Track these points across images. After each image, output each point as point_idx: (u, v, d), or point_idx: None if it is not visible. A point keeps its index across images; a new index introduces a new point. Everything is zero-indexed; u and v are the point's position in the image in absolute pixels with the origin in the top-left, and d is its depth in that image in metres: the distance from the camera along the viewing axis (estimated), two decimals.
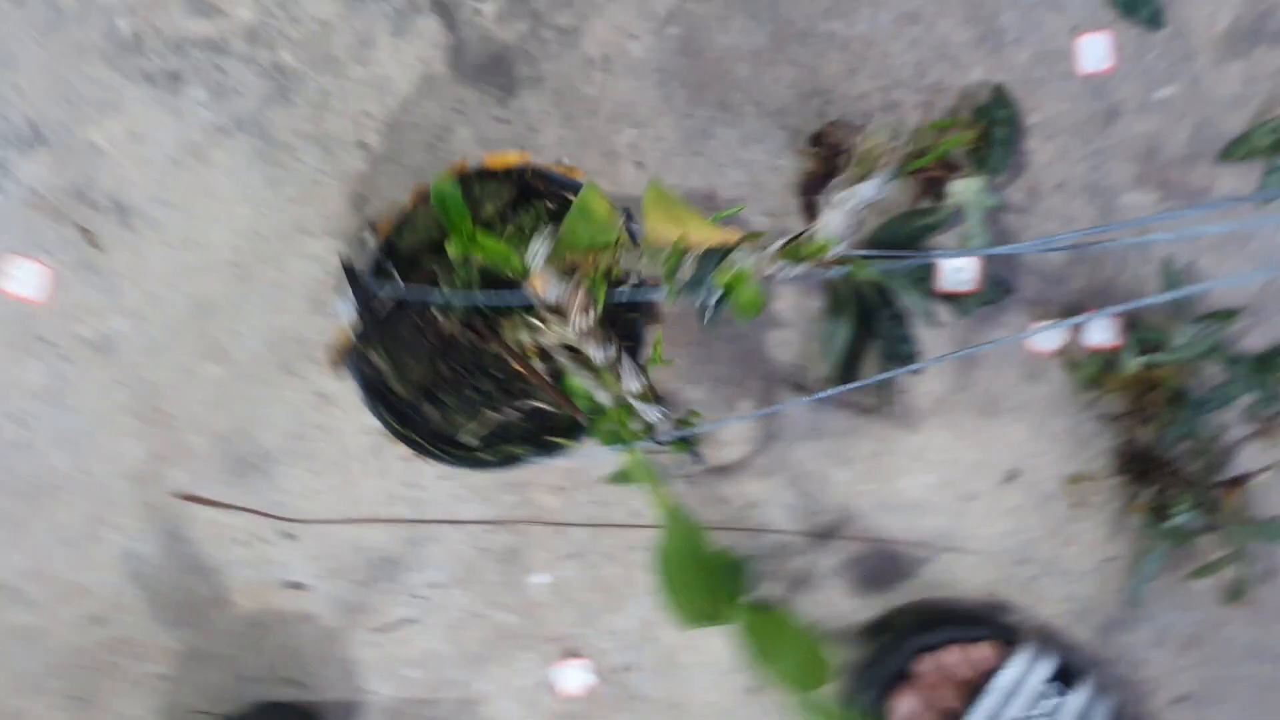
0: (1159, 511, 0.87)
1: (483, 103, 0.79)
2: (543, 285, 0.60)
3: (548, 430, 0.69)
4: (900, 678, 0.86)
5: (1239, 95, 0.85)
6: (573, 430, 0.68)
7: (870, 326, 0.85)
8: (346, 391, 0.80)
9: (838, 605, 0.88)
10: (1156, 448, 0.88)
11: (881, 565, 0.88)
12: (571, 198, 0.66)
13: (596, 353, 0.64)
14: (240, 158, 0.77)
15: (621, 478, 0.70)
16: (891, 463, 0.87)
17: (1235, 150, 0.86)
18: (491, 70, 0.79)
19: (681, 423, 0.64)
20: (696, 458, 0.62)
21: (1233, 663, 0.93)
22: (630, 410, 0.64)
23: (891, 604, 0.89)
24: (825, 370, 0.85)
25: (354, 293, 0.64)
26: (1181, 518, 0.86)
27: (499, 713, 0.87)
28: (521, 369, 0.66)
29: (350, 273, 0.64)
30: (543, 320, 0.66)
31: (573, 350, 0.65)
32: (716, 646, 0.87)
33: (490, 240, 0.62)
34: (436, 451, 0.67)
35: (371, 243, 0.65)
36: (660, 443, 0.64)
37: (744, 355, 0.84)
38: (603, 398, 0.65)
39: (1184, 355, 0.84)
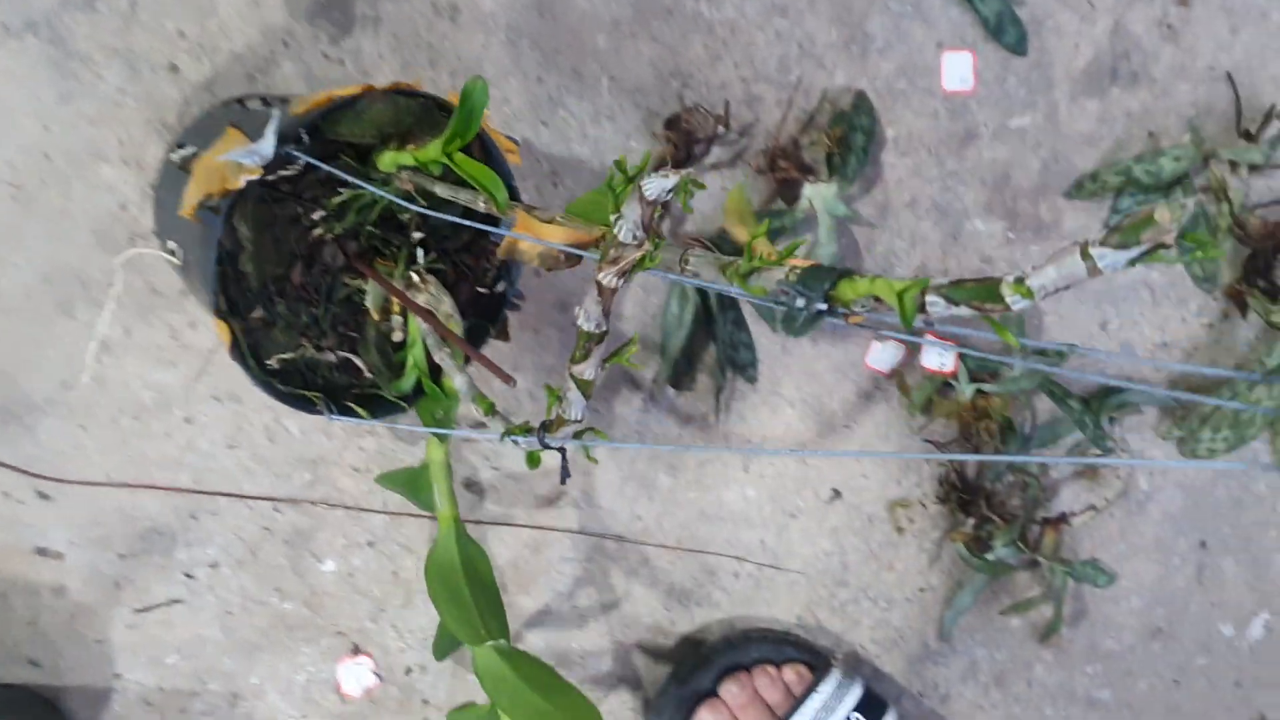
0: (979, 543, 0.85)
1: (314, 38, 0.72)
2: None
3: (349, 392, 0.62)
4: (706, 697, 0.82)
5: (1092, 133, 0.85)
6: (372, 402, 0.62)
7: (710, 329, 0.81)
8: (130, 342, 0.72)
9: (648, 616, 0.84)
10: (981, 478, 0.86)
11: (696, 577, 0.84)
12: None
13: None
14: (29, 65, 0.68)
15: (397, 480, 0.64)
16: (717, 472, 0.83)
17: (1084, 188, 0.85)
18: (327, 4, 0.72)
19: (530, 430, 0.56)
20: (566, 475, 0.55)
21: (1038, 704, 0.92)
22: (489, 406, 0.57)
23: (703, 619, 0.85)
24: (661, 371, 0.80)
25: (273, 140, 0.54)
26: (1001, 551, 0.85)
27: (269, 709, 0.79)
28: (402, 300, 0.58)
29: (270, 116, 0.54)
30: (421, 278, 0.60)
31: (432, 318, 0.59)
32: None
33: (472, 163, 0.55)
34: (242, 354, 0.58)
35: (277, 113, 0.56)
36: (518, 444, 0.57)
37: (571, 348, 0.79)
38: (459, 380, 0.59)
39: (1015, 387, 0.83)
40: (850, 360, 0.83)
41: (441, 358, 0.59)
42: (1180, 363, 0.90)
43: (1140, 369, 0.91)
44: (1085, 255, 0.37)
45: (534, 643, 0.81)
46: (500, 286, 0.64)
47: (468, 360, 0.61)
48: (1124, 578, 0.91)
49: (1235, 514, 0.94)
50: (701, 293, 0.79)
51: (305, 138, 0.56)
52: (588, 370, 0.51)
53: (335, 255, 0.59)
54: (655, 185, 0.47)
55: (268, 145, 0.54)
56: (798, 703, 0.80)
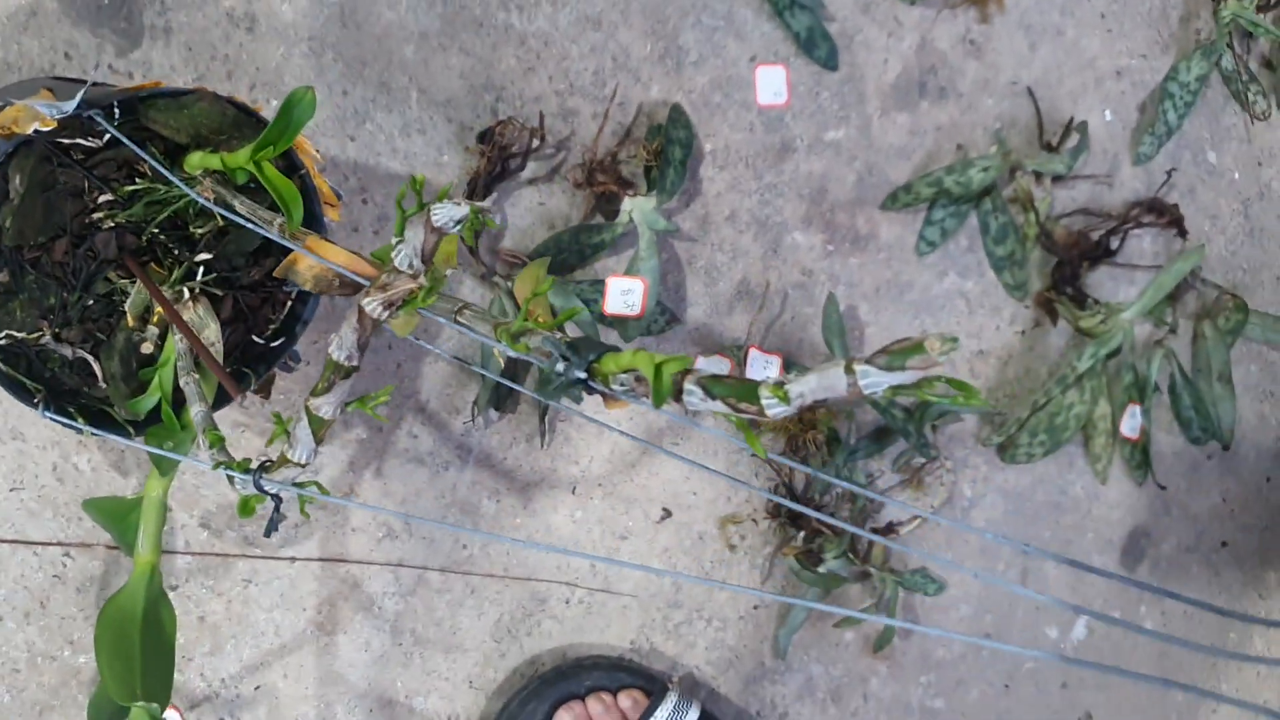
0: (810, 557, 0.85)
1: (99, 49, 0.67)
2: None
3: (74, 397, 0.57)
4: None
5: (904, 145, 0.86)
6: (96, 418, 0.57)
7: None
8: None
9: (476, 649, 0.80)
10: (810, 491, 0.86)
11: (526, 606, 0.81)
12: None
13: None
14: None
15: (104, 509, 0.58)
16: (544, 495, 0.80)
17: (898, 200, 0.86)
18: (113, 12, 0.67)
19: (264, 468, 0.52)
20: (273, 528, 0.50)
21: (874, 717, 0.92)
22: (218, 439, 0.52)
23: (534, 649, 0.82)
24: (481, 394, 0.78)
25: (77, 101, 0.49)
26: (832, 564, 0.85)
27: None
28: (166, 310, 0.53)
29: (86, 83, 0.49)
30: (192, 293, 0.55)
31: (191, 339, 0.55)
32: (334, 694, 0.77)
33: (278, 175, 0.51)
34: None
35: (91, 82, 0.51)
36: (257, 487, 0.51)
37: (390, 369, 0.76)
38: (198, 412, 0.53)
39: None
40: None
41: (188, 383, 0.54)
42: (996, 370, 0.92)
43: (959, 377, 0.92)
44: (849, 370, 0.36)
45: (354, 683, 0.77)
46: (278, 342, 0.60)
47: (220, 400, 0.57)
48: (952, 585, 0.92)
49: (1055, 517, 0.96)
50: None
51: (117, 113, 0.52)
52: (326, 407, 0.48)
53: (109, 244, 0.55)
54: (444, 213, 0.45)
55: (70, 104, 0.50)
56: None
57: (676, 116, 0.79)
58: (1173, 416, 0.98)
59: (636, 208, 0.78)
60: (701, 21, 0.80)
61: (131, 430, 0.56)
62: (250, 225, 0.52)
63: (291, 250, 0.51)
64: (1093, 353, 0.90)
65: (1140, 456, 0.97)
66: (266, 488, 0.48)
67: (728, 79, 0.81)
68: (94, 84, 0.62)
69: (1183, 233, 0.94)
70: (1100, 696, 1.00)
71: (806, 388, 0.38)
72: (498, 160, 0.75)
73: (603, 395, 0.46)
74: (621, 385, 0.43)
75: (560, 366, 0.43)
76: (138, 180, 0.55)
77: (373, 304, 0.45)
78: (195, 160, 0.54)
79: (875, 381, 0.36)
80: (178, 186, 0.53)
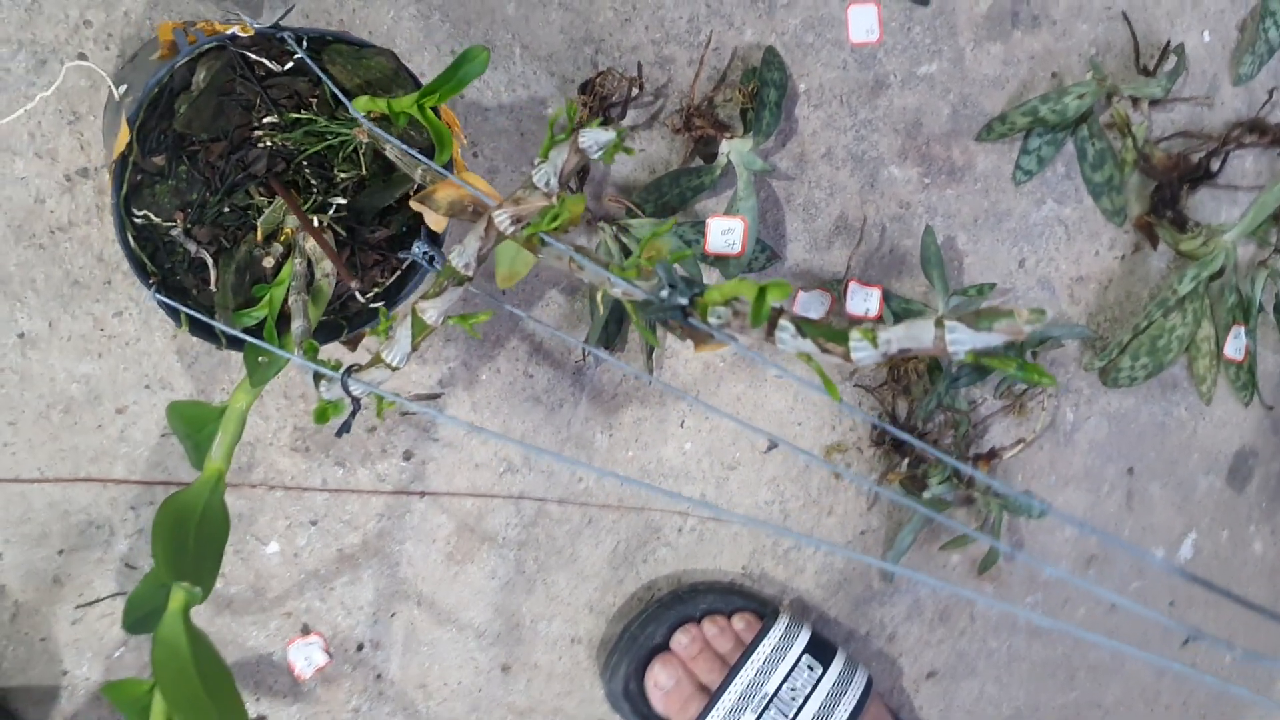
0: (915, 483, 0.87)
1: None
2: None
3: (182, 296, 0.61)
4: (658, 651, 0.83)
5: (998, 76, 0.87)
6: (194, 324, 0.61)
7: None
8: (54, 334, 0.71)
9: (595, 577, 0.85)
10: (913, 419, 0.88)
11: (641, 535, 0.85)
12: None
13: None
14: None
15: (184, 413, 0.60)
16: (654, 429, 0.84)
17: (993, 130, 0.87)
18: None
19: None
20: (346, 427, 0.54)
21: (982, 637, 0.94)
22: (313, 348, 0.56)
23: (650, 576, 0.86)
24: (591, 332, 0.81)
25: (278, 18, 0.55)
26: (937, 489, 0.87)
27: None
28: (304, 224, 0.58)
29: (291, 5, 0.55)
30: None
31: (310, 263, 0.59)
32: (465, 619, 0.82)
33: (437, 120, 0.55)
34: (123, 171, 0.57)
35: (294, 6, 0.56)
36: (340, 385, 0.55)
37: (505, 312, 0.80)
38: (298, 326, 0.58)
39: None
40: None
41: (297, 301, 0.59)
42: (1095, 296, 0.93)
43: (1060, 305, 0.93)
44: (939, 325, 0.38)
45: (483, 610, 0.82)
46: (378, 304, 0.65)
47: (319, 333, 0.61)
48: (1057, 506, 0.94)
49: (1159, 439, 0.97)
50: (629, 250, 0.80)
51: (305, 44, 0.57)
52: (432, 311, 0.51)
53: (260, 161, 0.60)
54: (591, 137, 0.48)
55: (268, 23, 0.55)
56: (748, 650, 0.81)
57: (770, 59, 0.81)
58: (1278, 335, 0.98)
59: (734, 150, 0.80)
60: None
61: (222, 340, 0.61)
62: (405, 158, 0.56)
63: (419, 206, 0.56)
64: (1194, 274, 0.90)
65: (1246, 377, 0.97)
66: (353, 389, 0.51)
67: (819, 19, 0.83)
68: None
69: None
70: (1209, 614, 1.01)
71: (894, 336, 0.41)
72: (599, 110, 0.78)
73: (692, 335, 0.49)
74: (718, 318, 0.46)
75: (665, 293, 0.45)
76: (302, 111, 0.60)
77: (503, 216, 0.48)
78: (363, 102, 0.58)
79: (961, 339, 0.39)
80: (342, 122, 0.58)
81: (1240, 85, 0.92)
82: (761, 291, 0.43)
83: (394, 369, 0.52)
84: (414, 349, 0.52)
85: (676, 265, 0.79)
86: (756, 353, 0.78)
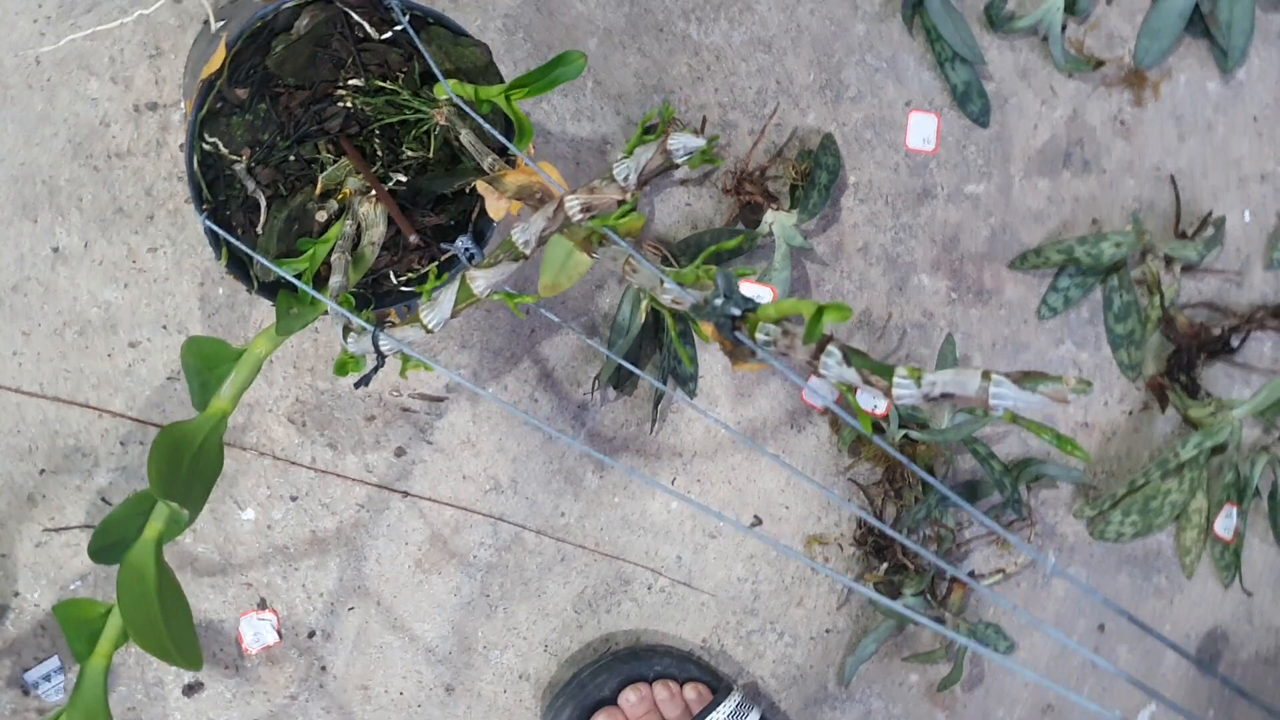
0: (890, 589, 0.87)
1: None
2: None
3: (228, 230, 0.62)
4: (604, 704, 0.81)
5: (1041, 210, 0.89)
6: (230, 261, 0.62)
7: (658, 338, 0.83)
8: (87, 255, 0.72)
9: (556, 615, 0.84)
10: (899, 525, 0.88)
11: (610, 584, 0.84)
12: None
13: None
14: None
15: (201, 350, 0.60)
16: (644, 482, 0.84)
17: (1027, 260, 0.89)
18: None
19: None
20: (365, 380, 0.54)
21: None
22: (349, 300, 0.57)
23: (610, 627, 0.85)
24: (604, 370, 0.82)
25: None
26: (910, 600, 0.86)
27: None
28: (369, 179, 0.60)
29: None
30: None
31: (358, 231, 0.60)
32: (420, 631, 0.81)
33: (521, 112, 0.58)
34: (208, 91, 0.58)
35: None
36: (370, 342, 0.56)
37: (525, 332, 0.80)
38: (336, 281, 0.58)
39: (942, 438, 0.86)
40: (788, 391, 0.85)
41: (339, 259, 0.60)
42: (1098, 445, 0.94)
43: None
44: (986, 377, 0.40)
45: (439, 625, 0.81)
46: (408, 289, 0.66)
47: (370, 303, 0.62)
48: (1022, 649, 0.93)
49: (1135, 603, 0.96)
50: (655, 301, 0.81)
51: (408, 17, 0.59)
52: (481, 281, 0.52)
53: (336, 118, 0.61)
54: (681, 140, 0.49)
55: None
56: None
57: (828, 144, 0.83)
58: (1269, 525, 0.98)
59: (778, 221, 0.82)
60: (865, 61, 0.84)
61: (257, 282, 0.62)
62: (478, 144, 0.57)
63: (478, 191, 0.57)
64: (1198, 442, 0.91)
65: (1231, 558, 0.97)
66: (382, 344, 0.52)
67: (881, 119, 0.85)
68: None
69: None
70: None
71: (940, 380, 0.41)
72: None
73: (733, 350, 0.49)
74: (766, 335, 0.47)
75: (719, 300, 0.46)
76: (388, 82, 0.62)
77: (574, 202, 0.49)
78: (454, 84, 0.60)
79: (1004, 394, 0.39)
80: (424, 100, 0.61)
81: (1271, 270, 0.94)
82: (819, 311, 0.44)
83: (429, 331, 0.52)
84: (454, 316, 0.53)
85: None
86: (754, 441, 0.78)
